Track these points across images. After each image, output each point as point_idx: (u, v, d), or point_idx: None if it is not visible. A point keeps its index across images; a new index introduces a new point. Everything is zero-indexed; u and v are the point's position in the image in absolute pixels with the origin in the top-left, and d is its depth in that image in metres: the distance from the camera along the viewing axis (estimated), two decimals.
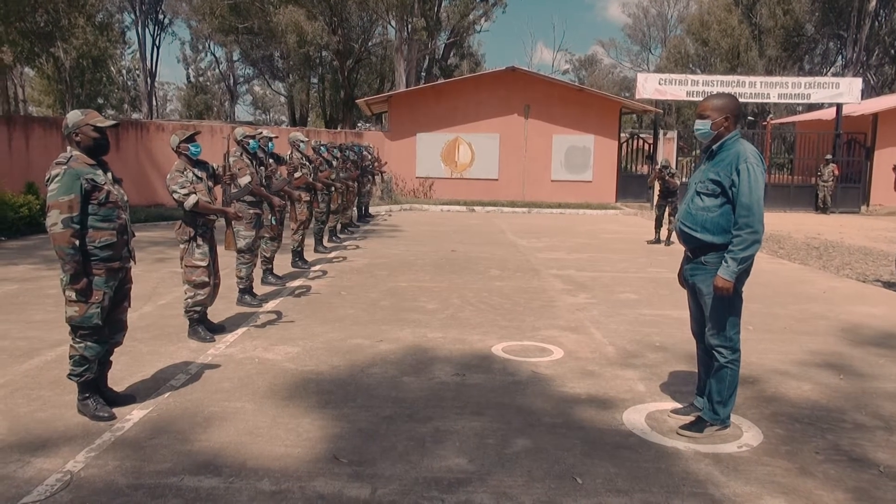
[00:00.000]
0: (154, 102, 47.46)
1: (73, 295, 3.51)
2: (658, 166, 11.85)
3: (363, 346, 5.19)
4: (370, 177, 14.19)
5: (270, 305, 6.49)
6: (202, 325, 5.26)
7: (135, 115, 44.51)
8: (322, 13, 33.88)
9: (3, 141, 14.10)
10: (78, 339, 3.58)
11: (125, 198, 3.72)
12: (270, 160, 6.76)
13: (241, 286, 6.46)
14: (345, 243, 11.11)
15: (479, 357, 4.96)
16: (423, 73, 37.40)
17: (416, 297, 7.01)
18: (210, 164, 5.24)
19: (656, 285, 7.92)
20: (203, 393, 4.10)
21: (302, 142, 8.48)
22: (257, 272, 7.03)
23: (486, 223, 15.32)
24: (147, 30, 42.90)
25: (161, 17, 43.67)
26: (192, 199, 4.90)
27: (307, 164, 8.52)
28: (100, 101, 42.08)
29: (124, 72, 47.25)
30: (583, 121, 20.20)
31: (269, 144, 6.94)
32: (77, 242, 3.41)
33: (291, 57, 38.80)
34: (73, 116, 3.55)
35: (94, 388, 3.71)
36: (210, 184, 5.19)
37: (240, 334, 5.44)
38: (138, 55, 43.42)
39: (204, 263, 5.09)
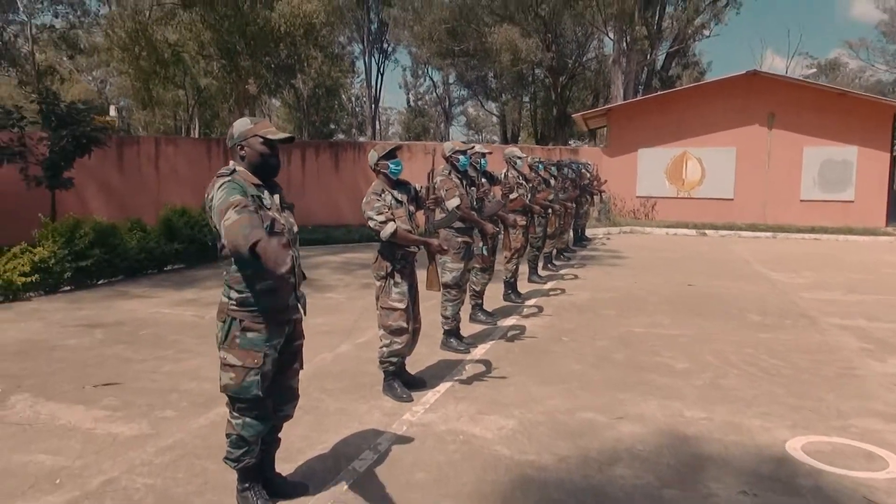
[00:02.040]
0: (377, 126, 50.42)
1: (227, 356, 2.69)
2: None
3: (598, 424, 3.90)
4: (588, 197, 12.83)
5: (479, 352, 5.46)
6: (398, 380, 4.35)
7: (361, 139, 47.56)
8: (536, 30, 33.30)
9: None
10: (235, 414, 2.76)
11: (294, 229, 2.85)
12: (483, 180, 5.76)
13: (446, 327, 5.51)
14: (561, 272, 9.87)
15: (771, 460, 3.43)
16: (641, 87, 35.14)
17: (657, 350, 5.55)
18: (412, 185, 4.33)
19: None
20: (391, 487, 3.10)
21: (519, 158, 7.44)
22: (465, 309, 6.05)
23: (722, 250, 13.16)
24: (373, 58, 45.73)
25: (385, 45, 46.30)
26: (389, 228, 4.01)
27: (524, 183, 7.46)
28: (332, 126, 45.65)
29: (353, 99, 50.84)
30: (842, 130, 16.96)
31: (482, 161, 5.95)
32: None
33: (504, 76, 38.80)
34: (241, 125, 2.76)
35: (257, 476, 2.87)
36: (412, 208, 4.28)
37: (442, 392, 4.44)
38: (365, 83, 46.37)
39: (402, 305, 4.17)
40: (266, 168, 2.72)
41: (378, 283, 4.24)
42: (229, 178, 2.61)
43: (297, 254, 2.85)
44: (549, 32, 34.08)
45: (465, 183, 5.43)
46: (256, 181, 2.70)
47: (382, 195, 4.11)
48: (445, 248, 4.20)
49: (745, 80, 17.75)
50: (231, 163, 2.75)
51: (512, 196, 6.63)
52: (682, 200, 18.23)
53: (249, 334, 2.68)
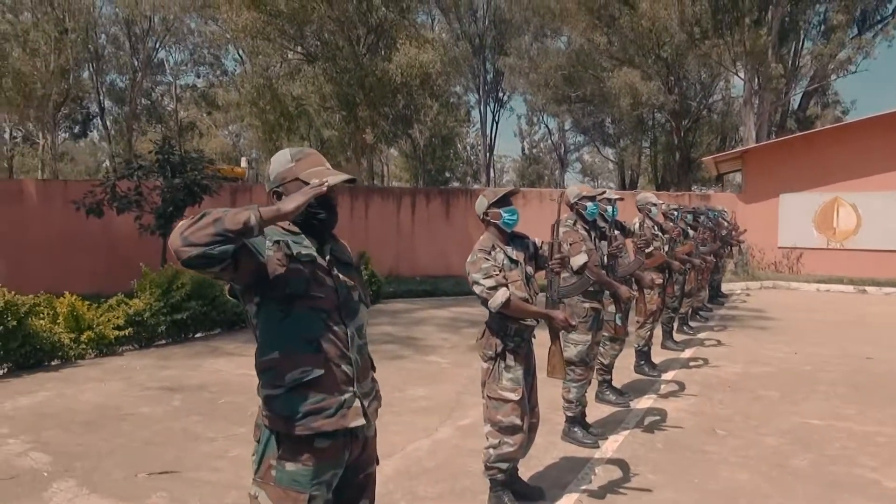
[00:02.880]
0: (492, 174, 50.23)
1: (259, 495, 1.85)
2: None
3: None
4: (727, 248, 11.33)
5: (610, 447, 4.36)
6: (509, 493, 3.35)
7: (475, 186, 47.46)
8: (658, 73, 31.91)
9: (345, 210, 14.76)
10: None
11: (354, 295, 2.00)
12: (616, 231, 4.72)
13: (568, 413, 4.46)
14: (699, 335, 8.51)
15: None
16: (775, 128, 32.62)
17: (851, 455, 4.21)
18: (531, 240, 3.41)
19: None
20: None
21: (653, 206, 6.34)
22: (591, 389, 4.97)
23: (893, 312, 11.15)
24: (488, 107, 45.82)
25: (500, 94, 46.32)
26: (500, 296, 3.09)
27: (660, 234, 6.34)
28: (447, 174, 46.04)
29: (468, 147, 51.21)
30: None
31: (611, 209, 4.88)
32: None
33: (623, 121, 37.54)
34: (279, 163, 1.98)
35: None
36: (530, 269, 3.34)
37: None
38: (480, 131, 46.48)
39: (515, 396, 3.20)
40: (310, 222, 1.93)
41: (485, 366, 3.30)
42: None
43: (359, 331, 1.99)
44: (671, 75, 32.62)
45: (593, 235, 4.44)
46: (294, 229, 1.92)
47: (493, 253, 3.21)
48: (574, 323, 3.20)
49: None
50: None
51: (648, 250, 5.53)
52: (833, 252, 16.06)
53: (290, 466, 1.83)
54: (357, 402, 1.91)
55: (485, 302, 3.15)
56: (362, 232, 14.63)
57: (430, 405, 5.24)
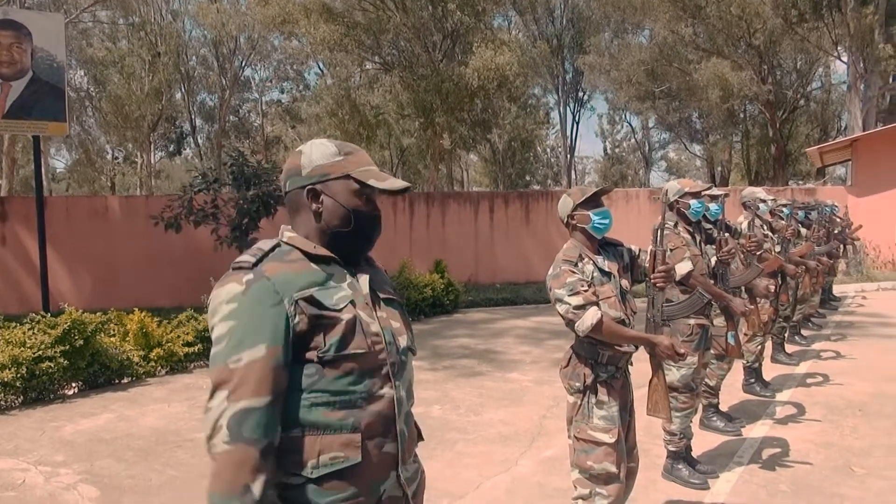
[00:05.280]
0: (573, 176, 49.10)
1: None
2: None
3: None
4: (841, 247, 10.18)
5: (722, 488, 3.68)
6: None
7: (556, 189, 46.44)
8: (750, 62, 30.08)
9: (421, 217, 14.42)
10: None
11: (401, 342, 1.50)
12: (725, 234, 4.00)
13: (670, 447, 3.81)
14: (813, 346, 7.56)
15: None
16: (883, 115, 30.05)
17: None
18: (626, 247, 2.82)
19: None
20: None
21: (762, 202, 5.57)
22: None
23: None
24: (568, 108, 44.80)
25: (581, 94, 45.20)
26: (590, 317, 2.52)
27: (770, 235, 5.56)
28: (527, 178, 45.36)
29: (549, 150, 50.38)
30: None
31: (714, 207, 4.19)
32: (260, 484, 1.25)
33: (712, 115, 35.74)
34: (322, 154, 1.46)
35: None
36: (625, 283, 2.75)
37: None
38: (560, 133, 45.55)
39: (609, 439, 2.62)
40: (355, 237, 1.43)
41: (571, 400, 2.73)
42: (250, 272, 1.34)
43: (409, 392, 1.50)
44: (764, 63, 30.71)
45: (698, 239, 3.79)
46: (324, 253, 1.42)
47: (580, 265, 2.64)
48: (682, 351, 2.58)
49: None
50: (282, 230, 1.48)
51: (760, 252, 4.78)
52: None
53: None
54: (399, 492, 1.42)
55: (570, 324, 2.59)
56: (439, 239, 14.24)
57: (509, 432, 4.70)
